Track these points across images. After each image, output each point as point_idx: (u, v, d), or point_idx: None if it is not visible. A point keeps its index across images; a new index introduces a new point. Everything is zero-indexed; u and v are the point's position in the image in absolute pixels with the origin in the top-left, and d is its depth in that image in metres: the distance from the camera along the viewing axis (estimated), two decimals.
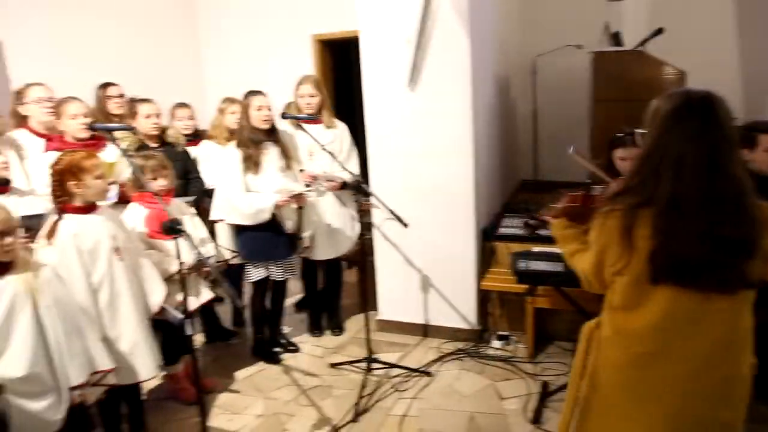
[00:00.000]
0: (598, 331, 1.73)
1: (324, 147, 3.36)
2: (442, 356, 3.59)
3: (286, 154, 3.42)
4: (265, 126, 3.33)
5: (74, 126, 3.04)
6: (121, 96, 3.89)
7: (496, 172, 4.29)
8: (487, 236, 3.76)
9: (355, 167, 3.72)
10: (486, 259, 3.78)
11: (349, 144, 3.78)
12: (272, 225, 3.34)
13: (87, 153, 2.38)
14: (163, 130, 3.60)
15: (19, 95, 3.34)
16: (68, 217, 2.37)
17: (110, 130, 2.37)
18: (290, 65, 5.30)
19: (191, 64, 5.92)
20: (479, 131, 3.59)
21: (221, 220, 3.42)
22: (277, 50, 5.69)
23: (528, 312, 3.46)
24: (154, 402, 3.21)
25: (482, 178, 3.71)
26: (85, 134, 3.07)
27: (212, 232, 3.48)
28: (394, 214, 3.19)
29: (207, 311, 3.87)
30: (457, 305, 3.75)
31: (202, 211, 3.49)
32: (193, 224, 3.06)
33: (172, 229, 2.01)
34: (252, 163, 3.29)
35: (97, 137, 3.20)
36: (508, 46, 5.04)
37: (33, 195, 2.84)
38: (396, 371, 3.40)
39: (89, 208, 2.41)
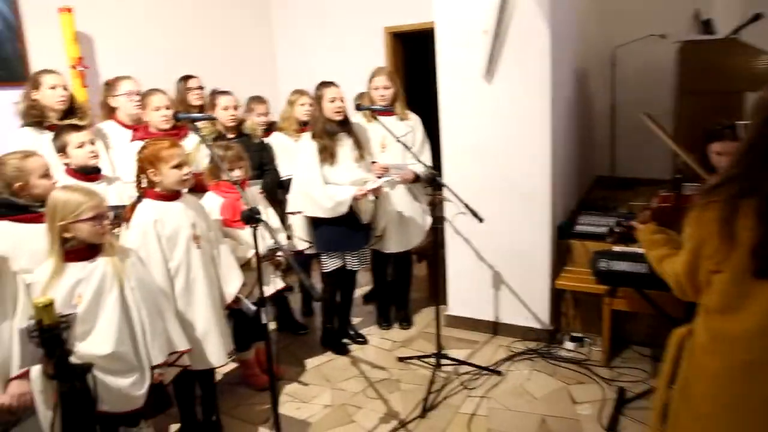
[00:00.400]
0: (691, 339, 1.60)
1: (398, 138, 3.32)
2: (513, 355, 3.49)
3: (360, 146, 3.41)
4: (339, 117, 3.33)
5: (157, 117, 3.15)
6: (201, 88, 4.00)
7: (572, 167, 4.12)
8: (563, 233, 3.62)
9: (428, 159, 3.67)
10: (561, 258, 3.63)
11: (422, 136, 3.73)
12: (349, 216, 3.35)
13: (169, 142, 2.45)
14: (240, 122, 3.67)
15: (109, 87, 3.49)
16: (148, 203, 2.44)
17: (193, 120, 2.43)
18: (363, 58, 5.30)
19: (265, 58, 6.04)
20: (557, 125, 3.44)
21: (298, 212, 3.45)
22: (349, 43, 5.70)
23: (605, 314, 3.30)
24: (227, 386, 3.29)
25: (559, 174, 3.56)
26: (168, 125, 3.17)
27: (284, 222, 3.52)
28: (469, 208, 3.12)
29: (279, 300, 3.93)
30: (529, 303, 3.63)
31: (276, 202, 3.54)
32: (266, 214, 3.10)
33: (252, 217, 2.02)
34: (328, 154, 3.31)
35: (179, 127, 3.30)
36: (587, 36, 4.83)
37: (120, 183, 2.97)
38: (465, 368, 3.33)
39: (171, 195, 2.48)
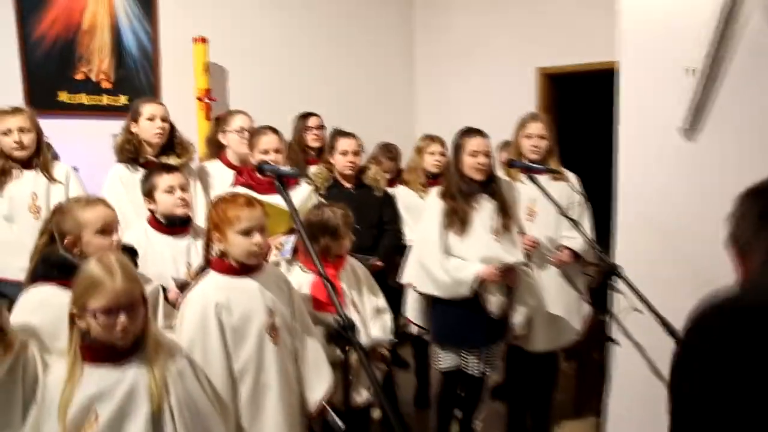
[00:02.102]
0: None
1: (562, 209, 2.45)
2: None
3: (504, 212, 2.61)
4: (480, 176, 2.57)
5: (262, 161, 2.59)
6: (321, 127, 3.47)
7: None
8: None
9: (588, 231, 2.76)
10: None
11: (582, 201, 2.83)
12: (472, 302, 2.53)
13: (244, 199, 1.82)
14: (361, 170, 3.05)
15: (219, 122, 3.07)
16: (212, 278, 1.83)
17: (279, 175, 1.78)
18: (509, 103, 4.52)
19: (403, 98, 5.44)
20: None
21: (410, 284, 2.71)
22: (495, 85, 4.93)
23: None
24: None
25: None
26: None
27: (399, 295, 2.80)
28: (654, 311, 2.17)
29: (386, 382, 3.18)
30: None
31: (394, 270, 2.84)
32: (368, 289, 2.39)
33: (340, 336, 1.33)
34: (457, 219, 2.54)
35: (288, 176, 2.74)
36: None
37: None
38: None
39: (243, 268, 1.84)
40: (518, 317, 2.67)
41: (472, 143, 2.56)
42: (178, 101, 4.00)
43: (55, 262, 1.76)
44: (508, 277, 2.53)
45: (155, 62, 3.95)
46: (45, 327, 1.57)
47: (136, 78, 3.88)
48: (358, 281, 2.36)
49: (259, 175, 2.60)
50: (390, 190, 3.23)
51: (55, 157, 2.58)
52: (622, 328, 2.77)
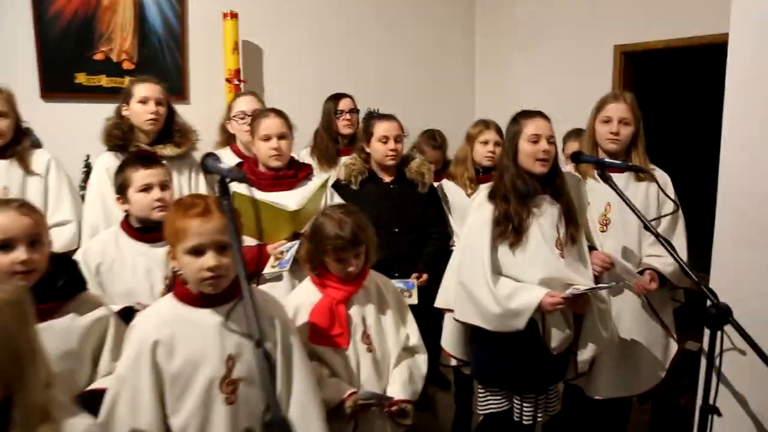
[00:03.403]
0: None
1: (648, 223, 1.78)
2: None
3: (571, 219, 2.00)
4: (542, 169, 1.96)
5: (265, 150, 2.12)
6: (354, 111, 2.96)
7: None
8: None
9: (682, 249, 2.11)
10: None
11: (674, 210, 2.15)
12: (528, 336, 1.94)
13: (201, 206, 1.32)
14: (404, 161, 2.53)
15: (229, 109, 2.64)
16: (165, 306, 1.39)
17: (223, 178, 1.25)
18: (581, 86, 3.85)
19: (460, 77, 4.75)
20: None
21: (449, 310, 2.17)
22: (565, 65, 4.23)
23: None
24: None
25: None
26: (278, 162, 2.13)
27: (438, 320, 2.27)
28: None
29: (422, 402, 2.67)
30: None
31: (438, 282, 2.32)
32: (396, 317, 1.86)
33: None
34: (510, 227, 1.95)
35: (302, 166, 2.26)
36: None
37: None
38: None
39: (204, 298, 1.36)
40: (585, 354, 2.04)
41: (531, 126, 1.96)
42: (208, 83, 3.63)
43: None
44: (577, 305, 1.94)
45: (183, 40, 3.57)
46: None
47: (161, 58, 3.52)
48: (383, 306, 1.84)
49: (262, 169, 2.17)
50: (438, 183, 2.70)
51: (36, 144, 2.22)
52: (721, 376, 2.12)
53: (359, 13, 4.11)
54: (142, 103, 2.19)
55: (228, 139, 2.64)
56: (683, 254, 2.07)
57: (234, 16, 3.53)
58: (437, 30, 4.51)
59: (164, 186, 1.83)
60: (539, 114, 2.00)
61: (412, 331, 1.89)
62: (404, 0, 4.32)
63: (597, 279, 2.04)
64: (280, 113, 2.18)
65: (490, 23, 4.68)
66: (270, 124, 2.13)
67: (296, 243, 1.92)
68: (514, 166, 1.99)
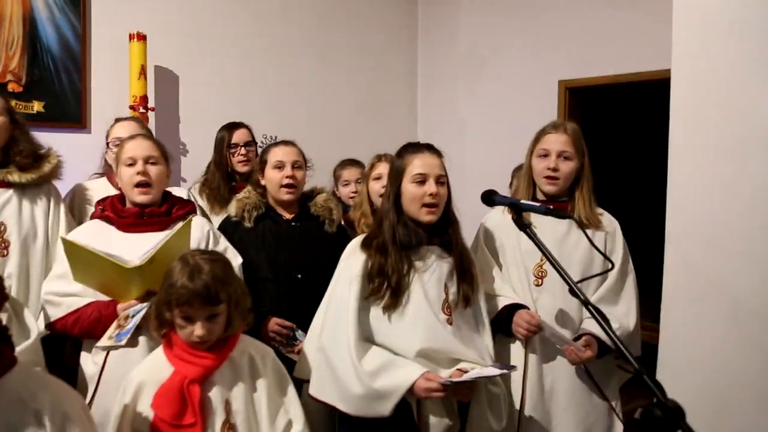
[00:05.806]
0: None
1: (573, 285, 1.32)
2: None
3: (464, 275, 1.62)
4: (430, 217, 1.59)
5: (128, 178, 1.69)
6: (251, 143, 2.54)
7: None
8: None
9: (632, 313, 1.74)
10: None
11: (625, 262, 1.80)
12: (400, 425, 1.52)
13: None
14: (309, 195, 2.14)
15: (107, 135, 2.23)
16: None
17: None
18: (525, 121, 3.56)
19: (401, 108, 4.41)
20: None
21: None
22: (509, 100, 3.95)
23: None
24: None
25: None
26: (143, 197, 1.69)
27: None
28: None
29: None
30: None
31: None
32: (274, 392, 1.43)
33: None
34: (386, 285, 1.56)
35: (180, 202, 1.84)
36: None
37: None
38: None
39: None
40: None
41: (417, 163, 1.60)
42: (112, 111, 3.13)
43: None
44: (460, 392, 1.53)
45: (84, 63, 3.15)
46: None
47: (56, 81, 3.08)
48: (256, 385, 1.42)
49: (128, 204, 1.74)
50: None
51: None
52: None
53: (289, 37, 3.76)
54: None
55: (106, 168, 2.20)
56: (631, 319, 1.71)
57: (141, 37, 3.13)
58: (378, 61, 4.20)
59: None
60: (428, 148, 1.64)
61: (295, 415, 1.46)
62: (340, 26, 4.00)
63: (525, 342, 1.65)
64: (148, 136, 1.76)
65: (432, 56, 4.42)
66: (133, 148, 1.70)
67: (145, 306, 1.47)
68: (394, 212, 1.61)
